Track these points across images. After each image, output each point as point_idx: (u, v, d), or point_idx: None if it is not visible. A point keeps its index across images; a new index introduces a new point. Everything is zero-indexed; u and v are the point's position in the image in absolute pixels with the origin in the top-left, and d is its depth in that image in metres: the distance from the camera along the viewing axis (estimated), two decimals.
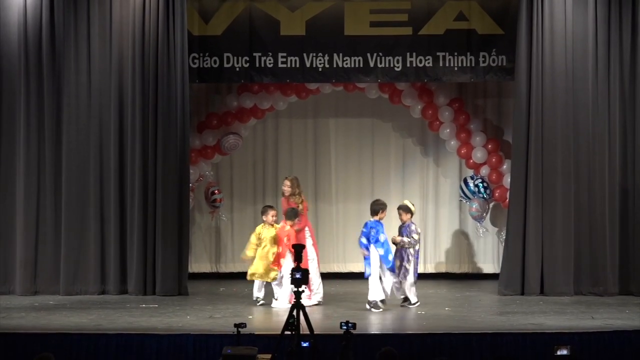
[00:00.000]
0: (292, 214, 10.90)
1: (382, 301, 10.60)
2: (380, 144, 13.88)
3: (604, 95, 11.67)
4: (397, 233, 11.00)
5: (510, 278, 11.67)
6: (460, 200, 13.56)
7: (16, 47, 11.79)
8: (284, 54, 12.06)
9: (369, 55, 12.06)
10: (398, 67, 12.09)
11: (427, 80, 12.47)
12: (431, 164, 13.87)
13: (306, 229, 11.03)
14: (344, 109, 13.85)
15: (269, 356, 7.42)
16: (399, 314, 10.41)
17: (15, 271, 11.72)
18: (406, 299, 10.86)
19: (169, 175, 11.69)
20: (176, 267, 11.65)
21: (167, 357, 8.56)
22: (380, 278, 10.62)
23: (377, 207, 10.81)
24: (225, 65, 12.10)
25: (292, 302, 10.40)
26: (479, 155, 13.08)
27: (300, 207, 11.01)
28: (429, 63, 12.08)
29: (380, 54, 12.07)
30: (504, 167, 12.99)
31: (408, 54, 12.07)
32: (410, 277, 10.77)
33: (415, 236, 10.83)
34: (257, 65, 12.08)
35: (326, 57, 12.07)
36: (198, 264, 13.63)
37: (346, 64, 12.09)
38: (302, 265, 7.89)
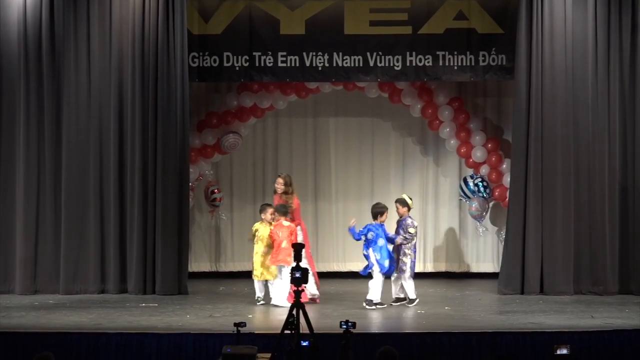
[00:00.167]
0: (282, 210, 10.92)
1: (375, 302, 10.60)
2: (380, 143, 13.87)
3: (604, 94, 11.66)
4: (395, 227, 11.00)
5: (510, 277, 11.67)
6: (460, 200, 13.56)
7: (16, 46, 11.77)
8: (284, 53, 12.06)
9: (368, 54, 12.06)
10: (398, 66, 12.08)
11: (427, 80, 12.46)
12: (431, 163, 13.87)
13: (298, 227, 11.04)
14: (343, 108, 13.83)
15: (268, 355, 7.41)
16: (398, 313, 10.40)
17: (15, 270, 11.71)
18: (398, 299, 10.86)
19: (169, 174, 11.68)
20: (176, 266, 11.64)
21: (167, 356, 8.54)
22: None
23: (377, 211, 10.82)
24: (225, 64, 12.09)
25: (287, 300, 10.57)
26: (478, 154, 13.08)
27: (292, 204, 11.02)
28: (428, 62, 12.07)
29: (380, 53, 12.07)
30: (504, 166, 12.99)
31: (408, 53, 12.06)
32: (407, 272, 10.76)
33: (412, 230, 10.80)
34: (257, 64, 12.07)
35: (326, 56, 12.06)
36: (198, 263, 13.62)
37: (346, 63, 12.09)
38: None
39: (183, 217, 11.74)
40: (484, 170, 13.15)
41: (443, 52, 12.05)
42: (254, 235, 11.03)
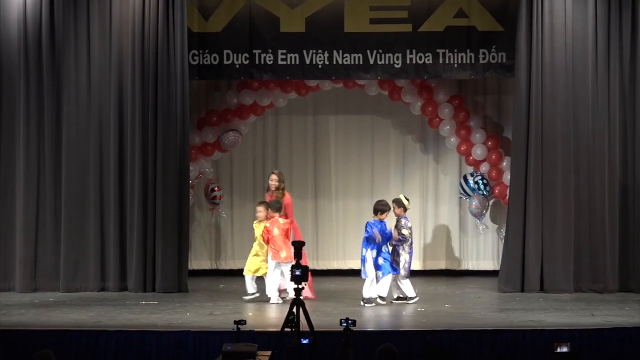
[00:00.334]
0: (277, 206, 10.96)
1: (369, 299, 10.61)
2: (380, 141, 13.86)
3: (604, 92, 11.65)
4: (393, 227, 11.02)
5: (510, 275, 11.66)
6: (460, 197, 13.55)
7: (16, 44, 11.76)
8: (284, 51, 12.04)
9: (368, 52, 12.05)
10: (398, 64, 12.07)
11: (427, 77, 12.45)
12: (431, 161, 13.86)
13: None
14: (343, 106, 13.82)
15: (269, 353, 7.40)
16: (398, 311, 10.39)
17: (15, 268, 11.71)
18: (399, 298, 10.85)
19: (169, 172, 11.67)
20: (176, 264, 11.64)
21: (167, 354, 8.54)
22: (377, 277, 10.65)
23: (378, 207, 10.80)
24: (225, 62, 12.07)
25: (279, 295, 10.59)
26: (478, 152, 13.07)
27: (282, 201, 11.08)
28: (428, 60, 12.06)
29: (380, 50, 12.05)
30: (504, 164, 12.98)
31: (408, 50, 12.05)
32: (402, 272, 10.75)
33: (405, 232, 10.77)
34: (257, 62, 12.05)
35: (326, 54, 12.05)
36: (198, 261, 13.62)
37: (346, 60, 12.07)
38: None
39: (183, 215, 11.73)
40: (484, 168, 13.14)
41: (443, 50, 12.04)
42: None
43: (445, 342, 8.55)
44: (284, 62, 12.06)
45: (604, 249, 11.59)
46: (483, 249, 13.71)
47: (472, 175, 13.23)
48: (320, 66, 12.07)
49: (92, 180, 11.72)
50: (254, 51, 12.05)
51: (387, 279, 10.64)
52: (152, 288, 11.60)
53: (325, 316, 9.57)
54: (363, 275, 10.70)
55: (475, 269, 13.67)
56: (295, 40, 12.04)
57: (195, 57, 12.07)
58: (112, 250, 11.69)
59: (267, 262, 10.96)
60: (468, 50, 12.03)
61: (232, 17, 12.05)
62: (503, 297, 11.34)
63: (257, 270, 11.05)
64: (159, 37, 11.66)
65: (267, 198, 11.32)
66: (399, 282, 10.83)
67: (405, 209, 10.93)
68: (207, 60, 12.09)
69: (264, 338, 8.11)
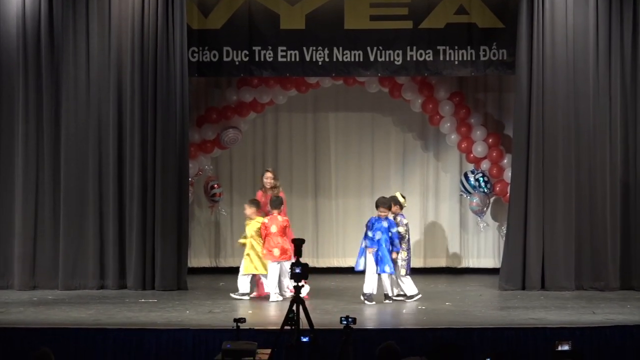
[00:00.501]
0: (277, 203, 10.95)
1: (370, 296, 10.59)
2: (380, 139, 13.84)
3: (605, 89, 11.62)
4: None
5: (511, 273, 11.63)
6: (461, 195, 13.52)
7: (15, 41, 11.73)
8: (284, 48, 12.01)
9: (369, 49, 12.01)
10: (398, 61, 12.03)
11: (428, 74, 12.41)
12: (431, 158, 13.84)
13: None
14: (343, 103, 13.81)
15: (268, 351, 7.38)
16: (399, 309, 10.36)
17: (14, 265, 11.68)
18: (398, 295, 10.81)
19: (168, 169, 11.64)
20: (175, 262, 11.61)
21: (166, 352, 8.51)
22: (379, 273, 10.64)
23: (377, 202, 10.78)
24: (225, 59, 12.03)
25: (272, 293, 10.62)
26: (479, 149, 13.04)
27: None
28: (429, 57, 12.02)
29: (381, 47, 12.01)
30: (505, 161, 12.95)
31: (408, 47, 12.01)
32: (402, 270, 10.71)
33: (400, 229, 10.75)
34: (257, 59, 12.01)
35: (326, 51, 12.01)
36: (197, 259, 13.60)
37: (346, 57, 12.03)
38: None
39: (182, 213, 11.71)
40: (485, 165, 13.11)
41: (444, 47, 12.00)
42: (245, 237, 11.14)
43: (446, 340, 8.52)
44: (284, 59, 12.02)
45: (605, 247, 11.56)
46: (484, 247, 13.70)
47: (472, 172, 13.21)
48: (320, 63, 12.03)
49: (91, 178, 11.69)
50: (254, 48, 12.01)
51: (381, 277, 10.61)
52: (152, 286, 11.57)
53: (325, 314, 9.55)
54: (356, 268, 10.74)
55: (476, 266, 13.66)
56: (295, 37, 12.00)
57: (195, 54, 12.03)
58: (111, 248, 11.66)
59: (258, 260, 10.91)
60: (469, 47, 11.99)
61: (231, 14, 12.01)
62: (504, 295, 11.31)
63: (249, 270, 10.99)
64: (159, 33, 11.63)
65: (259, 196, 11.30)
66: (399, 281, 10.79)
67: (401, 207, 10.90)
68: (206, 57, 12.04)
69: (263, 336, 8.08)
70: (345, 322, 7.24)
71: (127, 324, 9.02)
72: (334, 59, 12.02)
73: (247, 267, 11.02)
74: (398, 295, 10.84)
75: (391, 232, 10.62)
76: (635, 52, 11.66)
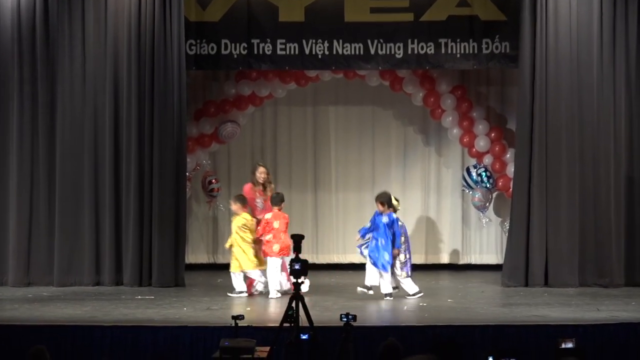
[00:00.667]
0: (278, 199, 10.90)
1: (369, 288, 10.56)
2: (381, 133, 13.78)
3: (609, 81, 11.56)
4: None
5: (514, 269, 11.57)
6: (463, 190, 13.45)
7: (9, 33, 11.68)
8: (283, 41, 11.92)
9: (369, 41, 11.93)
10: (399, 54, 11.94)
11: (429, 68, 12.31)
12: (433, 152, 13.78)
13: None
14: (344, 96, 13.75)
15: (267, 349, 7.35)
16: (399, 306, 10.29)
17: (8, 262, 11.63)
18: (394, 288, 10.72)
19: (166, 164, 11.58)
20: (173, 258, 11.55)
21: (163, 349, 8.47)
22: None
23: (376, 198, 10.71)
24: (223, 52, 11.95)
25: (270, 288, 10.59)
26: (481, 143, 12.95)
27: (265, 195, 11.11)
28: (430, 50, 11.93)
29: (381, 40, 11.93)
30: (508, 155, 12.87)
31: (409, 40, 11.92)
32: (398, 270, 10.60)
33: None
34: (256, 52, 11.93)
35: (326, 44, 11.93)
36: (195, 255, 13.54)
37: (346, 50, 11.95)
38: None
39: (180, 208, 11.65)
40: (487, 160, 13.02)
41: (445, 40, 11.92)
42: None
43: (446, 337, 8.42)
44: (283, 52, 11.94)
45: (609, 243, 11.50)
46: (486, 243, 13.64)
47: (475, 167, 13.13)
48: (320, 56, 11.95)
49: (87, 172, 11.64)
50: (253, 41, 11.93)
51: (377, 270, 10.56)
52: (148, 282, 11.53)
53: (325, 311, 9.51)
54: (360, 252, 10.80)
55: (479, 262, 13.62)
56: (294, 29, 11.92)
57: (193, 47, 11.94)
58: (107, 244, 11.60)
59: (243, 255, 10.79)
60: (471, 40, 11.90)
61: (230, 6, 11.93)
62: (507, 292, 11.27)
63: (235, 268, 10.90)
64: (156, 26, 11.56)
65: (247, 189, 11.21)
66: (400, 283, 10.68)
67: (395, 210, 10.79)
68: (204, 50, 11.96)
69: (262, 333, 8.01)
70: (345, 319, 7.20)
71: (123, 321, 8.98)
72: (334, 52, 11.94)
73: (233, 265, 10.92)
74: (395, 288, 10.72)
75: (393, 230, 10.54)
76: (639, 40, 11.55)
